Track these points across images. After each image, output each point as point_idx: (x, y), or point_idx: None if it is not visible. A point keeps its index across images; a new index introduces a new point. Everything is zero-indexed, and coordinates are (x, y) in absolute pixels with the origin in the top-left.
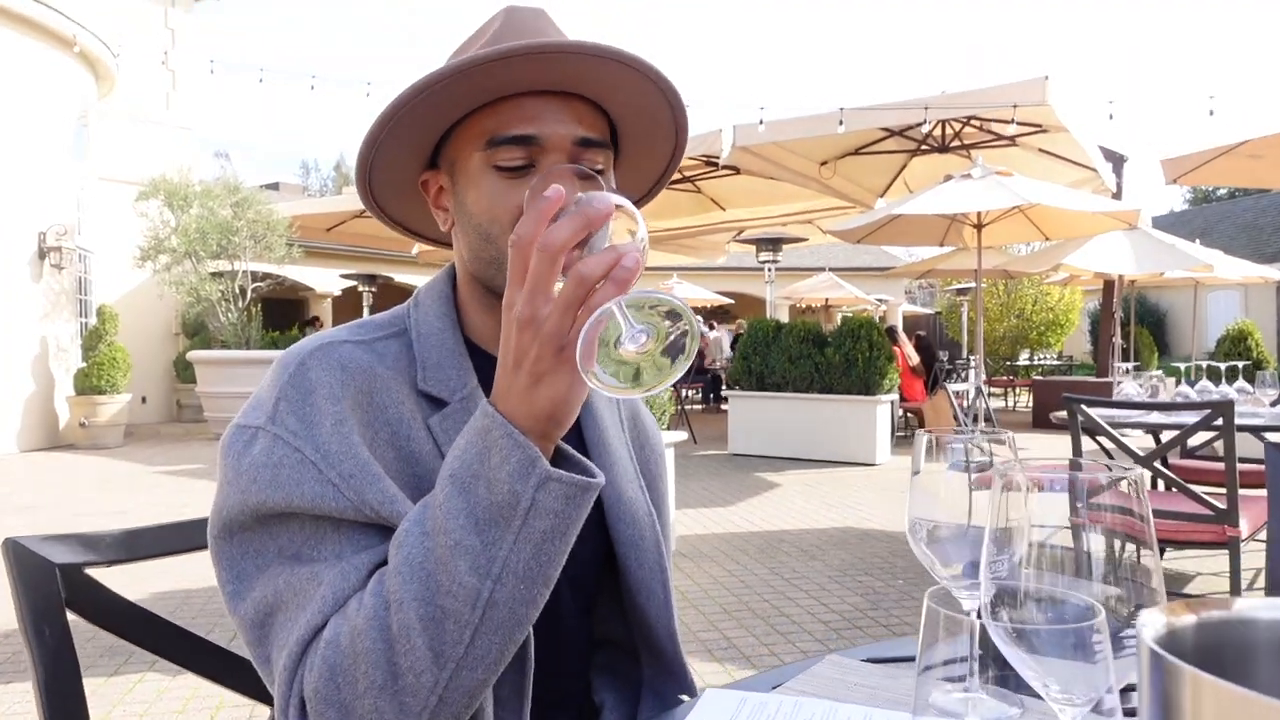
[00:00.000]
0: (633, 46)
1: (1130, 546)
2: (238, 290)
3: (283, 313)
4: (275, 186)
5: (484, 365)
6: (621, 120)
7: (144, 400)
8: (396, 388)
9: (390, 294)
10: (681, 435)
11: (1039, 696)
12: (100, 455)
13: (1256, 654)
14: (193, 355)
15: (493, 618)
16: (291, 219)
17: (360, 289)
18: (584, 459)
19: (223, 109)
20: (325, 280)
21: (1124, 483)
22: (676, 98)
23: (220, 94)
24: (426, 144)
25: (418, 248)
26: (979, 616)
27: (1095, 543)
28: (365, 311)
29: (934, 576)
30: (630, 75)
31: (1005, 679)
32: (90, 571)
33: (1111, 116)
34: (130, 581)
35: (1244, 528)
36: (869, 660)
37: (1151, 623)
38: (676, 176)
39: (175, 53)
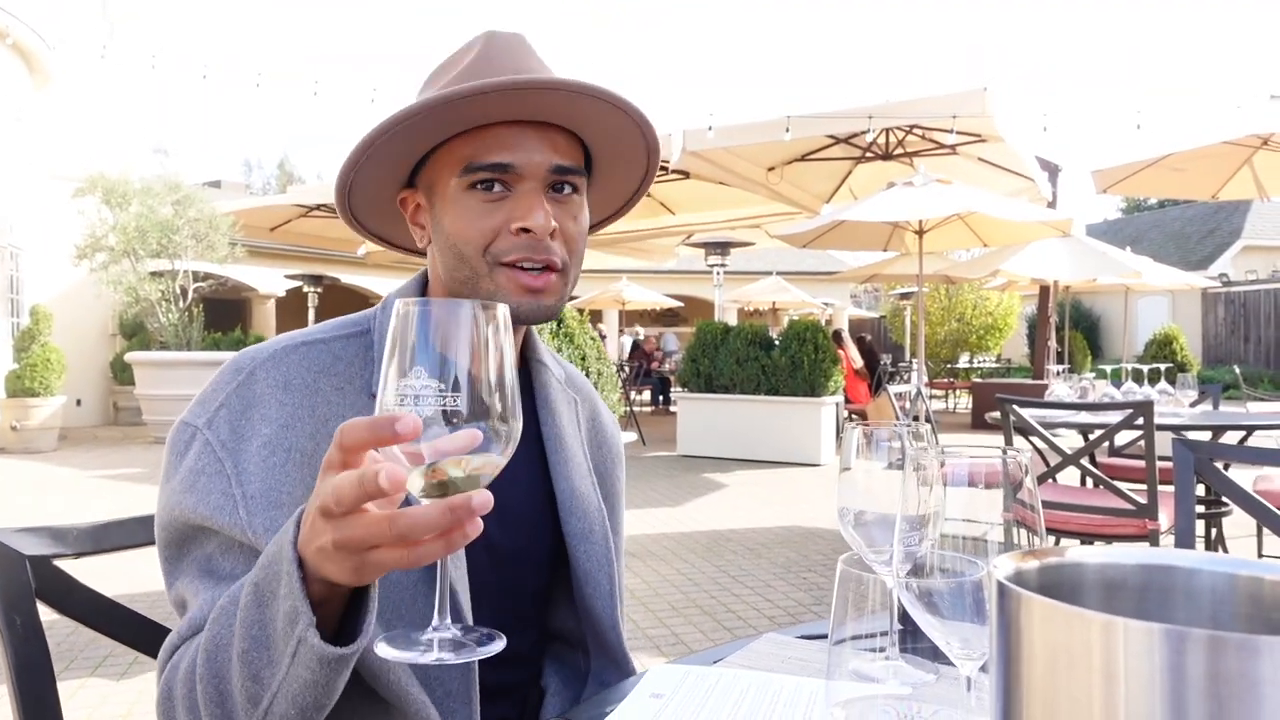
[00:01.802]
0: (582, 51)
1: (1024, 532)
2: (178, 290)
3: (225, 313)
4: (217, 184)
5: None
6: (595, 145)
7: (79, 403)
8: (342, 396)
9: (336, 295)
10: (631, 437)
11: (950, 664)
12: (33, 459)
13: (1084, 588)
14: (131, 356)
15: (276, 712)
16: (235, 218)
17: (305, 290)
18: (367, 611)
19: (163, 104)
20: (269, 281)
21: (1023, 478)
22: (647, 124)
23: (161, 89)
24: (404, 167)
25: (364, 248)
26: (896, 583)
27: (995, 529)
28: (310, 313)
29: (862, 557)
30: (603, 107)
31: (923, 650)
32: (58, 563)
33: (1045, 129)
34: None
35: (1163, 521)
36: (803, 637)
37: (1003, 565)
38: None
39: (114, 46)
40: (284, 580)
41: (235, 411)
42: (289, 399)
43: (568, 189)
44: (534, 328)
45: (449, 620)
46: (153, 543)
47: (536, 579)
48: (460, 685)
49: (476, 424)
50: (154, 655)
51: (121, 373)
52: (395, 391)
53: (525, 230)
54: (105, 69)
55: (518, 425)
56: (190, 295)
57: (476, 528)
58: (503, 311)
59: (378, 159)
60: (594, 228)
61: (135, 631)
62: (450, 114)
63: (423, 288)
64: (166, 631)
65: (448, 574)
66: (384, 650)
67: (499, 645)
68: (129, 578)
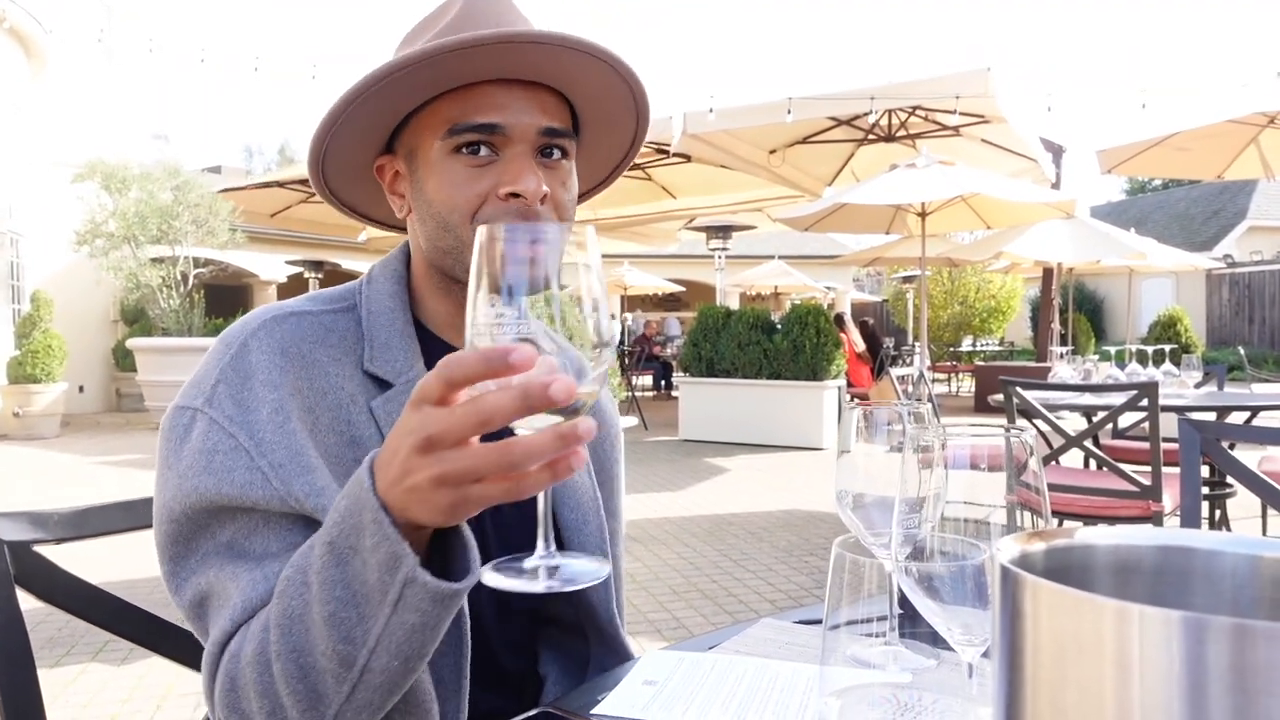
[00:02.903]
0: (581, 29)
1: (1029, 515)
2: (179, 276)
3: (226, 299)
4: (217, 170)
5: (433, 349)
6: (583, 108)
7: (81, 389)
8: (340, 368)
9: (338, 280)
10: (632, 421)
11: (951, 649)
12: (36, 446)
13: (1095, 571)
14: (133, 342)
15: (369, 681)
16: (235, 203)
17: (306, 275)
18: (468, 545)
19: (162, 90)
20: (270, 266)
21: (1027, 459)
22: (639, 85)
23: (159, 74)
24: (382, 130)
25: (365, 234)
26: (895, 567)
27: (998, 512)
28: None
29: (861, 541)
30: (594, 65)
31: (923, 635)
32: (39, 549)
33: (1050, 109)
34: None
35: (1167, 503)
36: (800, 622)
37: (1006, 548)
38: None
39: (111, 31)
40: (369, 530)
41: (234, 385)
42: (288, 364)
43: (557, 153)
44: None
45: (554, 548)
46: (136, 527)
47: None
48: (451, 674)
49: (574, 350)
50: (141, 643)
51: (123, 359)
52: (486, 320)
53: (515, 195)
54: (103, 54)
55: (612, 352)
56: (191, 281)
57: (581, 459)
58: (590, 231)
59: (354, 122)
60: (580, 198)
61: (121, 618)
62: (434, 71)
63: (405, 261)
64: (153, 618)
65: (549, 501)
66: (493, 579)
67: (605, 570)
68: (122, 565)
